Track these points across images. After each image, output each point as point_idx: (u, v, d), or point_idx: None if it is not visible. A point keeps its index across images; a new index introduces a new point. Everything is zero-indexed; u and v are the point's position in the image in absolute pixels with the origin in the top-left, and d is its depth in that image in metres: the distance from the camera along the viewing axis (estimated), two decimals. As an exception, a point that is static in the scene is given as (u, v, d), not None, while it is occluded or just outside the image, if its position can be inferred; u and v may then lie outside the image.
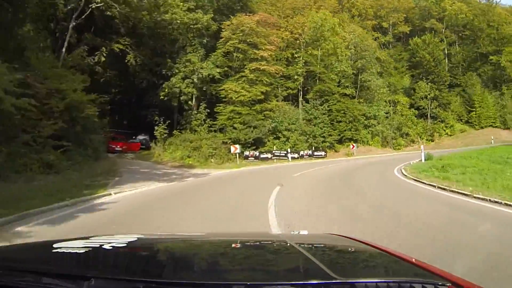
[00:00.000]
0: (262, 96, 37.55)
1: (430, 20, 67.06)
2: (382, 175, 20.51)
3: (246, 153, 34.55)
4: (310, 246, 2.18)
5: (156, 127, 34.13)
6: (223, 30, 36.77)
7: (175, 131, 34.24)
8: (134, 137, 37.57)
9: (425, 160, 26.66)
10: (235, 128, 35.66)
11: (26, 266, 1.51)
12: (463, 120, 60.79)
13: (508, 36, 65.01)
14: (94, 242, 1.92)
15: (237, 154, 32.35)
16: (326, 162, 33.43)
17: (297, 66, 44.15)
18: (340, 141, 44.25)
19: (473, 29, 67.16)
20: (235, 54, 37.27)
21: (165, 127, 33.94)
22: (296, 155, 37.63)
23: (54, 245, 1.77)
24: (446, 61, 63.45)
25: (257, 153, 35.21)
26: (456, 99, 61.03)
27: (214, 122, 36.43)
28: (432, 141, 55.59)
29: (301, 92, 44.85)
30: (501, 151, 30.78)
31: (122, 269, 1.58)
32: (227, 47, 36.85)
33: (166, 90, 34.09)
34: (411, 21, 68.05)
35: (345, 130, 44.07)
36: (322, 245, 2.30)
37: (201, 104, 36.66)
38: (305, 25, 45.61)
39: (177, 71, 34.38)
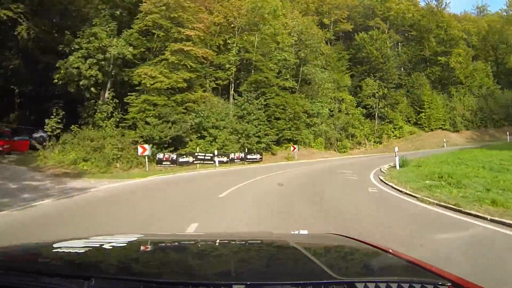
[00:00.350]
0: (185, 85, 31.47)
1: (374, 19, 65.94)
2: (374, 194, 13.80)
3: (160, 155, 27.90)
4: (310, 246, 2.20)
5: (47, 120, 27.43)
6: (142, 2, 30.59)
7: (73, 126, 27.34)
8: (34, 134, 30.28)
9: (400, 166, 21.60)
10: (148, 123, 29.33)
11: (26, 266, 1.56)
12: (411, 122, 59.00)
13: (457, 38, 66.07)
14: (94, 242, 1.97)
15: (147, 157, 25.60)
16: (265, 168, 27.32)
17: (230, 54, 38.16)
18: (278, 142, 38.88)
19: (420, 29, 67.37)
20: (156, 33, 31.28)
21: (59, 121, 27.29)
22: (225, 159, 31.54)
23: (54, 245, 1.82)
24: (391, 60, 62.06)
25: (174, 156, 28.60)
26: (403, 100, 59.25)
27: (125, 116, 30.18)
28: (380, 143, 52.87)
29: (233, 84, 39.08)
30: (480, 155, 27.06)
31: (122, 269, 1.62)
32: (146, 22, 30.66)
33: (62, 71, 27.06)
34: (353, 20, 66.16)
35: (284, 129, 38.74)
36: (322, 245, 2.34)
37: (109, 92, 30.10)
38: (241, 8, 40.11)
39: (77, 47, 27.57)
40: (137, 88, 30.47)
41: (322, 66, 46.63)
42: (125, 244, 2.00)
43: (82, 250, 1.72)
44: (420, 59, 66.36)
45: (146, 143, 27.32)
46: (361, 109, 53.22)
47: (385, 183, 16.10)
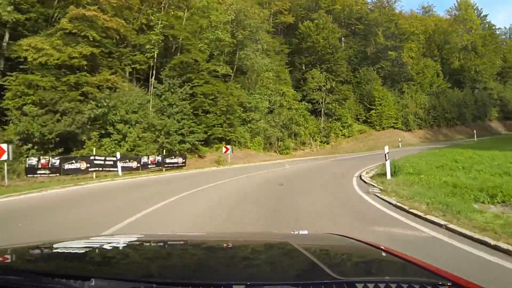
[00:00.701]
0: (84, 63, 25.07)
1: (318, 12, 62.63)
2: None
3: (32, 161, 20.28)
4: (310, 246, 2.20)
5: None
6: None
7: None
8: None
9: (391, 175, 15.54)
10: (25, 115, 22.45)
11: (26, 266, 1.61)
12: (360, 120, 55.56)
13: (408, 33, 66.05)
14: (94, 242, 2.09)
15: (6, 164, 18.02)
16: (187, 179, 20.92)
17: (152, 32, 31.21)
18: (207, 142, 32.63)
19: (369, 23, 65.72)
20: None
21: None
22: (134, 164, 24.40)
23: (55, 245, 1.87)
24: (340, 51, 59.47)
25: (56, 161, 20.96)
26: (351, 95, 55.93)
27: (1, 105, 23.59)
28: (328, 143, 48.90)
29: (154, 71, 32.27)
30: (472, 156, 21.86)
31: (122, 269, 1.64)
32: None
33: None
34: (295, 12, 62.99)
35: (214, 126, 32.57)
36: (322, 245, 2.33)
37: (-20, 72, 23.70)
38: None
39: None
40: (21, 66, 23.96)
41: (262, 51, 40.84)
42: (125, 245, 2.06)
43: (82, 251, 1.78)
44: (366, 55, 64.22)
45: (28, 142, 21.40)
46: (306, 103, 48.57)
47: (424, 219, 7.97)
